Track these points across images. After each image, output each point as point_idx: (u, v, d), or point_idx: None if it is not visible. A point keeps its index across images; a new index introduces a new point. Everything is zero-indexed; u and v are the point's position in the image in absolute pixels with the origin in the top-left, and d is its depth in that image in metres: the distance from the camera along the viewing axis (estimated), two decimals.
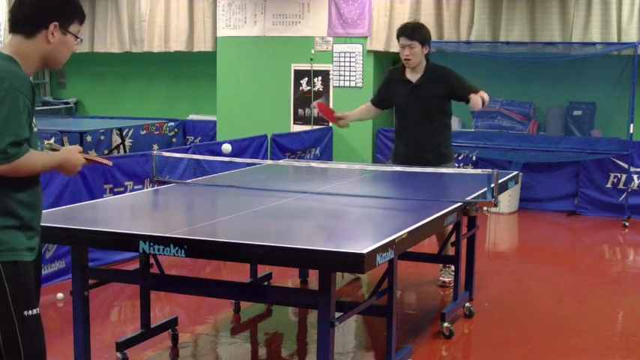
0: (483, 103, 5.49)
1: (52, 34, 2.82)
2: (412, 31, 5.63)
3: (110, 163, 3.33)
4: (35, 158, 2.77)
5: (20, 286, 2.82)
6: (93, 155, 3.13)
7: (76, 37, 2.91)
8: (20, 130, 2.69)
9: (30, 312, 2.84)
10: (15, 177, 2.75)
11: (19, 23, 2.84)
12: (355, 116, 6.11)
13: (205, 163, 7.00)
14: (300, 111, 10.18)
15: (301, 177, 5.58)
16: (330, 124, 5.96)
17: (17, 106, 2.68)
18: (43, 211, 3.02)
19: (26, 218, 2.83)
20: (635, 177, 8.67)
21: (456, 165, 5.95)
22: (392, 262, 3.88)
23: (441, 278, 5.94)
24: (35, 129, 2.87)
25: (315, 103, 5.94)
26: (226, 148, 3.17)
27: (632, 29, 8.58)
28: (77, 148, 2.96)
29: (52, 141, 3.07)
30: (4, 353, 2.85)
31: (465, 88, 5.66)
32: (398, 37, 5.70)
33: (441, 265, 5.94)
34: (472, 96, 5.50)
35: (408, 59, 5.64)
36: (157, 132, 11.19)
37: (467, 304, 5.30)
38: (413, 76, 5.76)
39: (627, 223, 8.37)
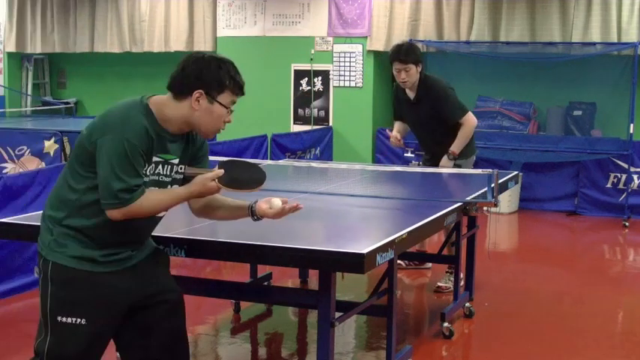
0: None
1: (197, 101, 2.89)
2: (405, 55, 5.60)
3: (256, 188, 3.18)
4: (151, 202, 2.85)
5: (64, 290, 2.87)
6: (229, 183, 3.05)
7: (226, 108, 2.95)
8: (127, 177, 2.76)
9: (64, 319, 2.87)
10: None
11: (171, 83, 2.95)
12: (402, 133, 6.12)
13: None
14: (300, 111, 10.19)
15: (301, 177, 5.58)
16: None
17: (125, 156, 2.76)
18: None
19: (97, 238, 2.89)
20: (635, 177, 8.67)
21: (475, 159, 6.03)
22: (392, 262, 3.87)
23: (439, 283, 5.88)
24: (162, 178, 2.96)
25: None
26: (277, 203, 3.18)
27: (632, 29, 8.58)
28: (210, 176, 2.95)
29: (190, 166, 3.07)
30: (34, 349, 2.96)
31: (449, 112, 5.71)
32: (391, 62, 5.68)
33: (446, 269, 5.90)
34: (443, 160, 5.74)
35: (405, 82, 5.67)
36: None
37: (467, 304, 5.30)
38: (411, 94, 5.82)
39: (627, 223, 8.37)
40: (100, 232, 2.89)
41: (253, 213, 3.22)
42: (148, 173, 2.89)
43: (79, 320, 2.87)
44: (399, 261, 5.91)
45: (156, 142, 2.87)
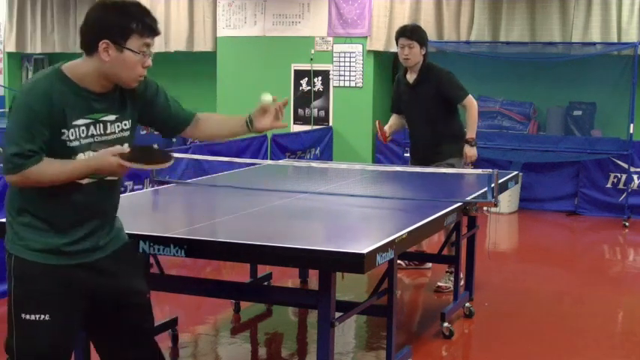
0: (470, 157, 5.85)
1: (106, 51, 2.77)
2: (411, 32, 5.78)
3: (165, 164, 2.94)
4: (50, 169, 2.72)
5: (26, 286, 2.79)
6: (131, 163, 2.88)
7: (134, 52, 2.78)
8: (22, 142, 2.66)
9: (27, 316, 2.77)
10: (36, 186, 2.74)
11: (81, 42, 2.83)
12: (393, 127, 6.18)
13: (205, 163, 7.00)
14: (300, 111, 10.19)
15: (301, 177, 5.58)
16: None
17: (21, 120, 2.68)
18: None
19: (52, 220, 2.80)
20: (635, 177, 8.67)
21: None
22: (392, 262, 3.87)
23: (439, 283, 5.89)
24: (100, 138, 2.84)
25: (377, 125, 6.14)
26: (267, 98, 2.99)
27: (632, 29, 8.58)
28: (111, 150, 2.79)
29: (98, 140, 2.98)
30: (4, 346, 2.87)
31: (452, 92, 5.80)
32: (397, 38, 5.83)
33: (445, 269, 5.91)
34: (466, 148, 5.85)
35: (407, 58, 5.77)
36: (157, 132, 11.18)
37: (467, 304, 5.30)
38: (411, 77, 5.89)
39: (627, 223, 8.37)
40: (49, 211, 2.79)
41: (250, 122, 3.16)
42: (73, 137, 2.77)
43: (42, 317, 2.78)
44: (399, 261, 5.92)
45: (74, 105, 2.76)
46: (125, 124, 2.95)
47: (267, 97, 3.09)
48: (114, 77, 2.82)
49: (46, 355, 2.85)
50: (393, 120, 6.21)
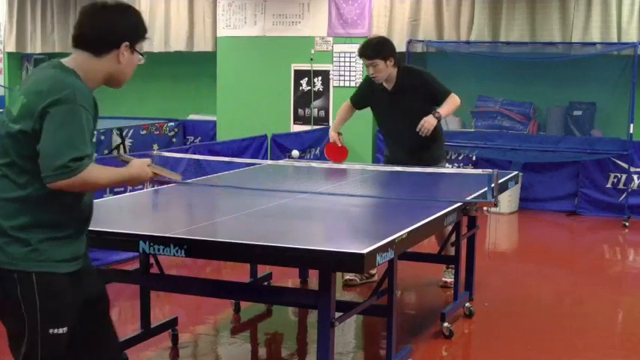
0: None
1: (123, 54, 2.81)
2: (371, 52, 5.57)
3: (179, 178, 3.25)
4: (98, 173, 2.72)
5: (51, 300, 2.73)
6: (162, 170, 3.06)
7: (141, 55, 2.90)
8: (82, 145, 2.65)
9: (55, 330, 2.73)
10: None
11: (89, 41, 2.80)
12: (341, 124, 6.06)
13: (205, 163, 7.00)
14: (300, 111, 10.18)
15: (301, 177, 5.58)
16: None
17: (81, 123, 2.65)
18: None
19: (73, 229, 2.80)
20: (635, 177, 8.67)
21: (449, 166, 5.92)
22: (392, 262, 3.88)
23: (443, 279, 5.92)
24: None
25: (325, 149, 6.03)
26: (295, 153, 3.11)
27: (632, 29, 8.58)
28: (146, 161, 2.92)
29: (122, 152, 3.04)
30: None
31: (438, 92, 5.68)
32: (360, 57, 5.70)
33: (444, 265, 5.92)
34: (427, 118, 5.56)
35: (375, 77, 5.63)
36: (157, 132, 11.18)
37: (467, 304, 5.30)
38: (388, 85, 5.73)
39: (627, 223, 8.37)
40: (64, 216, 2.75)
41: None
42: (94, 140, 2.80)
43: (65, 329, 2.76)
44: (443, 278, 5.91)
45: None
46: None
47: None
48: (117, 79, 2.88)
49: None
50: (345, 112, 6.03)
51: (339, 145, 5.90)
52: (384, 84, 5.72)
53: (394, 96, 5.70)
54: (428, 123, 5.52)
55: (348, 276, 5.87)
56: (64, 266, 2.75)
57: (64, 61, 2.80)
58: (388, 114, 5.84)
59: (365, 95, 5.94)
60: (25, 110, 2.68)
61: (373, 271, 5.82)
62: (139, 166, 2.89)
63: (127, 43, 2.81)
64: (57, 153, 2.62)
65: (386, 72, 5.60)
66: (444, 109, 5.63)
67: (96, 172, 2.71)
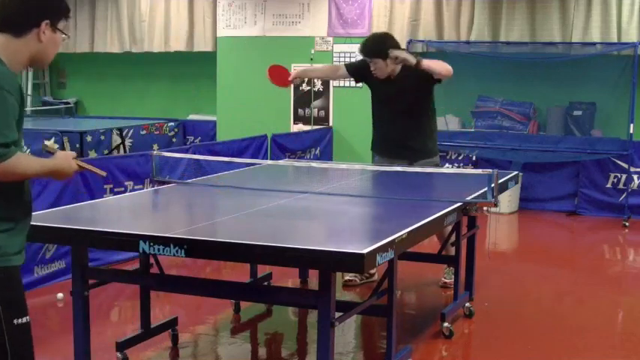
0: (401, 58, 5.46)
1: (44, 32, 2.75)
2: (370, 51, 5.56)
3: (104, 174, 3.17)
4: (25, 162, 2.67)
5: (12, 292, 2.73)
6: (86, 164, 3.01)
7: (64, 34, 2.82)
8: (7, 131, 2.59)
9: (20, 320, 2.73)
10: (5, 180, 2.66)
11: (8, 22, 2.74)
12: (315, 75, 5.95)
13: (205, 163, 7.00)
14: (300, 111, 10.18)
15: (301, 177, 5.58)
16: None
17: (5, 108, 2.60)
18: (43, 212, 3.01)
19: (22, 221, 2.77)
20: (635, 177, 8.68)
21: (448, 166, 5.88)
22: (392, 262, 3.88)
23: (443, 279, 5.92)
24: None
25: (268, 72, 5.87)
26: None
27: (632, 29, 8.58)
28: (71, 154, 2.85)
29: (52, 141, 3.00)
30: None
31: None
32: (359, 53, 5.67)
33: (445, 265, 5.92)
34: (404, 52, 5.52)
35: (376, 74, 5.61)
36: (157, 132, 11.19)
37: (467, 304, 5.30)
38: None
39: (627, 223, 8.37)
40: (11, 207, 2.72)
41: None
42: (21, 127, 2.74)
43: (28, 318, 2.76)
44: (443, 279, 5.91)
45: None
46: None
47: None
48: (42, 59, 2.82)
49: (32, 356, 2.83)
50: (332, 71, 5.99)
51: (291, 78, 5.84)
52: None
53: (395, 83, 5.65)
54: (399, 55, 5.44)
55: (348, 276, 5.87)
56: (19, 259, 2.75)
57: None
58: (386, 100, 5.77)
59: (362, 69, 5.80)
60: None
61: (373, 271, 5.82)
62: (64, 157, 2.81)
63: (47, 21, 2.75)
64: None
65: (386, 70, 5.57)
66: (428, 61, 5.49)
67: (24, 160, 2.66)
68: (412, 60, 5.42)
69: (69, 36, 2.89)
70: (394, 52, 5.46)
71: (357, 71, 5.91)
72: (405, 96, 5.63)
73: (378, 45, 5.58)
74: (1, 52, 2.71)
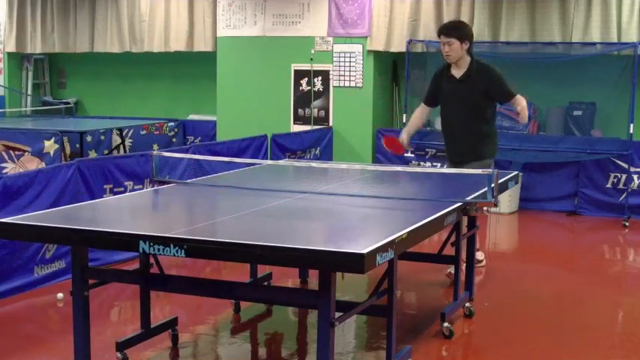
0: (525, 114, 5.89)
1: None
2: (450, 29, 5.90)
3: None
4: None
5: None
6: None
7: None
8: None
9: None
10: None
11: None
12: (415, 126, 6.24)
13: (205, 163, 7.00)
14: (300, 111, 10.18)
15: (301, 177, 5.58)
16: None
17: None
18: (44, 212, 3.00)
19: None
20: (635, 177, 8.67)
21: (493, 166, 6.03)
22: (392, 262, 3.88)
23: (449, 270, 5.92)
24: None
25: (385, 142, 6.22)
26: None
27: (632, 29, 8.58)
28: None
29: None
30: None
31: (502, 92, 5.92)
32: (438, 35, 5.96)
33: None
34: (520, 111, 5.87)
35: (448, 55, 5.87)
36: (157, 132, 11.19)
37: (467, 304, 5.30)
38: (457, 72, 5.94)
39: (627, 223, 8.37)
40: None
41: None
42: None
43: None
44: (449, 270, 5.93)
45: None
46: None
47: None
48: None
49: None
50: (420, 112, 6.23)
51: (404, 145, 6.09)
52: (453, 70, 5.93)
53: (460, 84, 5.91)
54: (523, 110, 5.82)
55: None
56: None
57: None
58: (452, 101, 6.02)
59: (434, 87, 6.13)
60: None
61: (481, 257, 6.28)
62: None
63: None
64: None
65: (458, 53, 5.85)
66: (522, 104, 5.86)
67: None
68: (525, 119, 5.94)
69: None
70: (522, 104, 5.84)
71: (430, 97, 6.19)
72: (473, 97, 5.89)
73: (457, 26, 6.06)
74: None
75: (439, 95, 6.10)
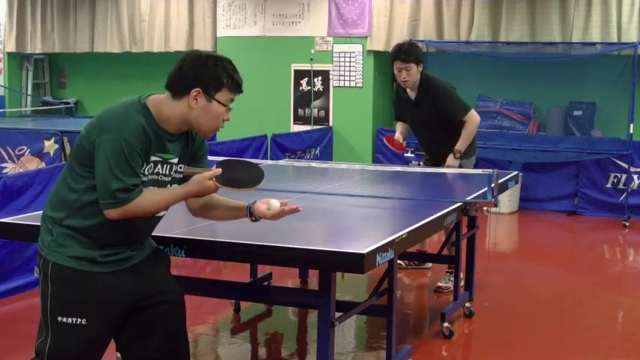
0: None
1: (195, 99, 2.89)
2: (406, 54, 5.59)
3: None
4: (146, 203, 2.84)
5: (64, 291, 2.87)
6: (229, 184, 3.04)
7: (224, 106, 2.95)
8: (126, 177, 2.77)
9: (65, 319, 2.87)
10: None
11: (169, 82, 2.95)
12: (403, 132, 6.13)
13: None
14: (300, 111, 10.19)
15: (301, 177, 5.58)
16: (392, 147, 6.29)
17: (124, 155, 2.76)
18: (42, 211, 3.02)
19: (98, 239, 2.89)
20: (635, 177, 8.67)
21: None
22: (392, 262, 3.87)
23: (439, 283, 5.88)
24: (162, 177, 2.96)
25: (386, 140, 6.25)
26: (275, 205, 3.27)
27: (632, 29, 8.58)
28: (206, 175, 2.94)
29: (191, 168, 3.03)
30: (36, 345, 2.95)
31: (448, 109, 5.69)
32: (392, 61, 5.68)
33: (446, 267, 5.90)
34: (449, 159, 5.70)
35: (405, 81, 5.66)
36: None
37: (467, 304, 5.30)
38: (412, 94, 5.79)
39: (627, 223, 8.37)
40: (99, 232, 2.88)
41: (252, 214, 3.20)
42: (146, 172, 2.89)
43: (79, 320, 2.86)
44: (399, 261, 5.91)
45: (154, 141, 2.87)
46: (180, 168, 3.04)
47: (275, 204, 3.21)
48: (195, 124, 2.95)
49: (77, 358, 2.92)
50: (401, 127, 6.09)
51: (400, 142, 6.03)
52: (409, 93, 5.79)
53: (416, 107, 5.78)
54: (450, 167, 5.65)
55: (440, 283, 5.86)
56: (73, 262, 2.87)
57: (152, 96, 2.96)
58: (412, 121, 5.95)
59: (398, 106, 6.05)
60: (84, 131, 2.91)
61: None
62: (199, 182, 2.94)
63: (197, 89, 2.89)
64: (104, 184, 2.78)
65: (416, 77, 5.65)
66: (461, 142, 5.66)
67: (147, 200, 2.84)
68: (455, 162, 5.68)
69: (230, 108, 3.00)
70: (468, 129, 5.68)
71: (399, 113, 6.07)
72: (429, 120, 5.76)
73: (412, 49, 5.68)
74: (157, 106, 2.91)
75: (404, 114, 6.00)
